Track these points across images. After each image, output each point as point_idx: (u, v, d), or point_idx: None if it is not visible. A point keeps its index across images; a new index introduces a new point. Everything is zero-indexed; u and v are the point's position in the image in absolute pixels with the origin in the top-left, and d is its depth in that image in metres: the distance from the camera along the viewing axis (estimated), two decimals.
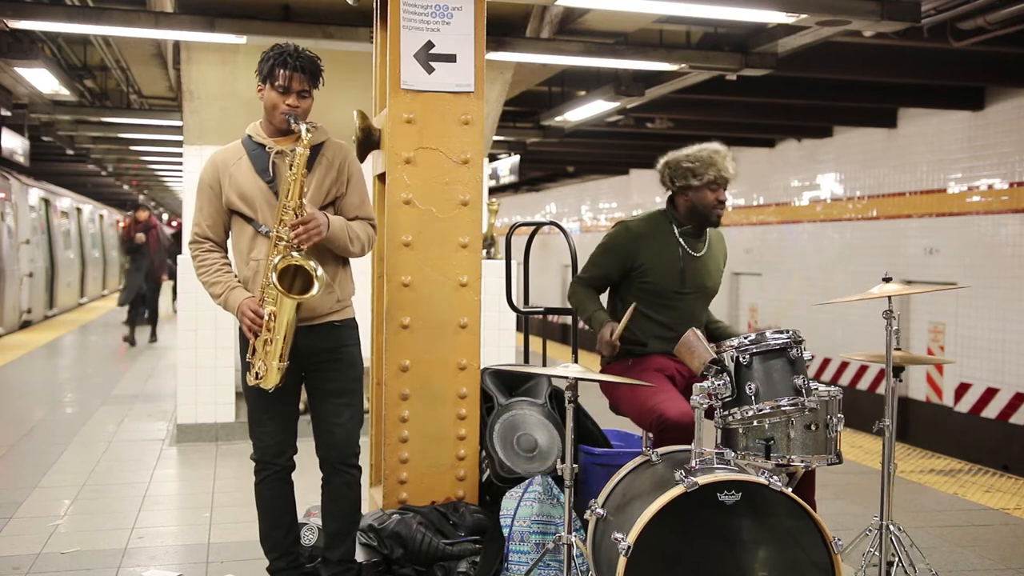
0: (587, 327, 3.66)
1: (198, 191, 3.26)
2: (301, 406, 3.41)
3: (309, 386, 3.31)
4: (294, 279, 3.09)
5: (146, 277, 12.16)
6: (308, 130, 3.10)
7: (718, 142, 3.67)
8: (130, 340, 12.33)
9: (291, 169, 3.08)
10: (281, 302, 3.05)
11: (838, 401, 3.09)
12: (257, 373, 3.12)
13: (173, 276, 12.62)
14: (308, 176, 3.14)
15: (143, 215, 12.48)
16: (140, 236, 12.17)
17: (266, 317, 3.08)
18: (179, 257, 6.73)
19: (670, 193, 3.70)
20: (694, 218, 3.62)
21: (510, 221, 21.86)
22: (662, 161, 3.69)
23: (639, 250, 3.59)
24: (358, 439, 3.35)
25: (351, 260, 3.35)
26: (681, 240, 3.63)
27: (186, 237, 7.12)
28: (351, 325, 3.34)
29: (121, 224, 19.00)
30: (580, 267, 3.84)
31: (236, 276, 3.24)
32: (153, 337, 12.64)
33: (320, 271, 3.07)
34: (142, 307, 14.99)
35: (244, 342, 3.21)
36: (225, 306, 3.20)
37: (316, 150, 3.21)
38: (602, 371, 3.57)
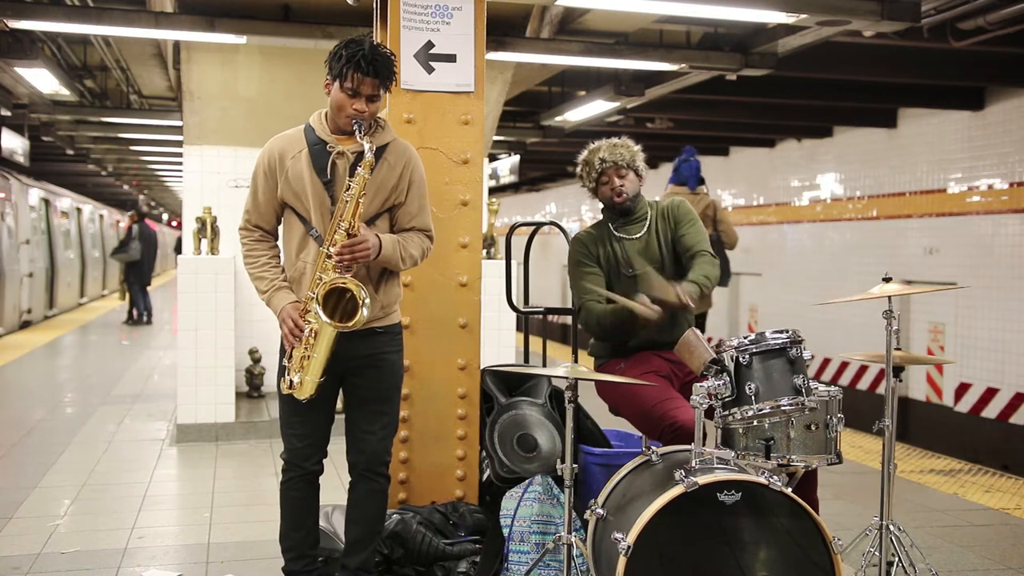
0: (622, 325, 3.56)
1: (253, 177, 3.16)
2: (338, 404, 3.35)
3: (346, 391, 3.23)
4: (340, 299, 3.00)
5: None
6: (371, 149, 2.98)
7: (605, 137, 3.82)
8: None
9: (349, 189, 2.97)
10: (323, 323, 2.96)
11: (838, 401, 3.09)
12: (292, 382, 3.05)
13: None
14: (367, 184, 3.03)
15: None
16: None
17: (306, 332, 2.99)
18: (180, 257, 6.73)
19: None
20: (611, 210, 3.76)
21: (510, 221, 21.86)
22: None
23: (596, 252, 3.71)
24: (390, 448, 3.27)
25: None
26: (615, 231, 3.74)
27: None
28: (394, 331, 3.24)
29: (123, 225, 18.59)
30: (574, 299, 3.81)
31: (283, 272, 3.17)
32: None
33: (367, 299, 2.96)
34: (142, 307, 15.06)
35: (282, 345, 3.15)
36: (268, 304, 3.13)
37: (378, 153, 3.07)
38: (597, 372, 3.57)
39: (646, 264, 3.65)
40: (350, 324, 2.96)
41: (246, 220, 3.20)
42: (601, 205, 3.82)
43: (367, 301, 2.96)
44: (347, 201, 2.98)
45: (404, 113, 3.84)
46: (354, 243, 2.96)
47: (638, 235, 3.72)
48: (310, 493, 3.28)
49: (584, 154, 3.78)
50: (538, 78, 9.31)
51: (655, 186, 8.32)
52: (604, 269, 3.70)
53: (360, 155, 3.03)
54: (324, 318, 2.94)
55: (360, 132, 3.01)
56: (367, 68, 2.97)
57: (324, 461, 3.28)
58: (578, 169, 3.82)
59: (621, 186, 3.68)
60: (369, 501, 3.26)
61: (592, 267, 3.70)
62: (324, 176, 3.07)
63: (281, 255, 3.23)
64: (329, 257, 2.99)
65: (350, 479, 3.29)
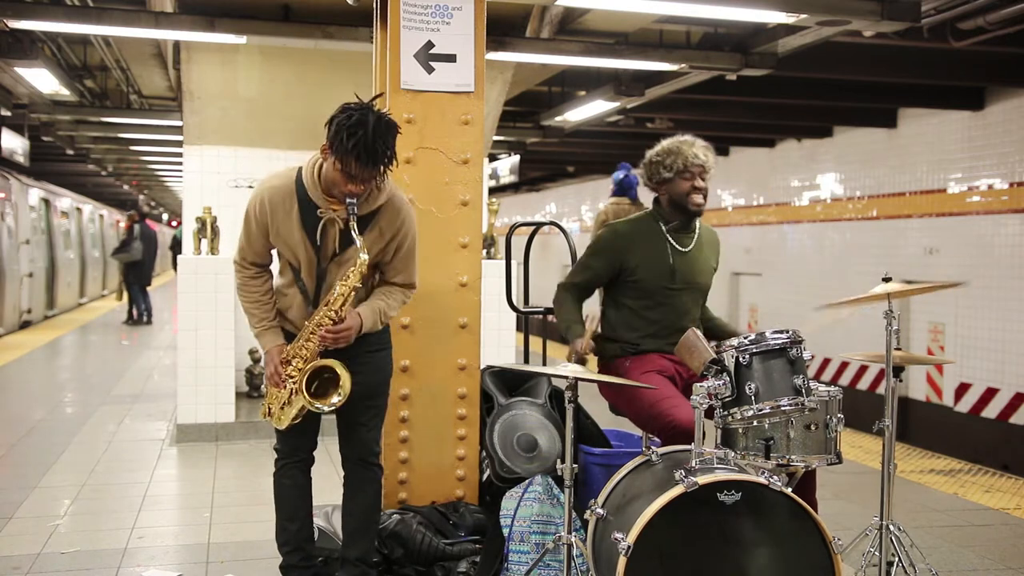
0: (563, 335, 3.63)
1: (245, 220, 3.18)
2: None
3: None
4: (323, 369, 3.10)
5: None
6: (364, 249, 3.01)
7: (691, 135, 3.68)
8: None
9: (343, 282, 3.04)
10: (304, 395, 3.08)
11: (838, 401, 3.09)
12: (270, 410, 3.20)
13: None
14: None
15: None
16: None
17: (288, 386, 3.11)
18: (180, 257, 6.73)
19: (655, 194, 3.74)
20: (677, 211, 3.63)
21: (510, 221, 21.86)
22: (642, 163, 3.72)
23: (628, 250, 3.60)
24: (379, 438, 3.36)
25: None
26: (669, 237, 3.64)
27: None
28: (381, 329, 3.31)
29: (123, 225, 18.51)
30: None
31: (274, 306, 3.25)
32: None
33: (347, 386, 3.05)
34: (142, 307, 15.07)
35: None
36: (257, 339, 3.24)
37: (370, 216, 3.08)
38: (601, 371, 3.56)
39: (688, 284, 3.62)
40: (325, 406, 3.08)
41: (241, 257, 3.26)
42: (654, 200, 3.72)
43: (346, 387, 3.06)
44: (336, 293, 3.05)
45: (404, 113, 3.84)
46: (338, 331, 3.06)
47: (688, 248, 3.66)
48: (303, 481, 3.33)
49: (671, 143, 3.61)
50: (538, 78, 9.31)
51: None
52: (636, 263, 3.58)
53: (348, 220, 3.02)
54: (317, 405, 3.07)
55: (353, 218, 2.99)
56: (367, 160, 2.88)
57: (316, 453, 3.35)
58: (658, 151, 3.62)
59: (703, 189, 3.59)
60: (364, 490, 3.32)
61: (600, 268, 3.62)
62: (313, 239, 3.09)
63: (275, 276, 3.31)
64: (314, 333, 3.08)
65: (343, 472, 3.34)
